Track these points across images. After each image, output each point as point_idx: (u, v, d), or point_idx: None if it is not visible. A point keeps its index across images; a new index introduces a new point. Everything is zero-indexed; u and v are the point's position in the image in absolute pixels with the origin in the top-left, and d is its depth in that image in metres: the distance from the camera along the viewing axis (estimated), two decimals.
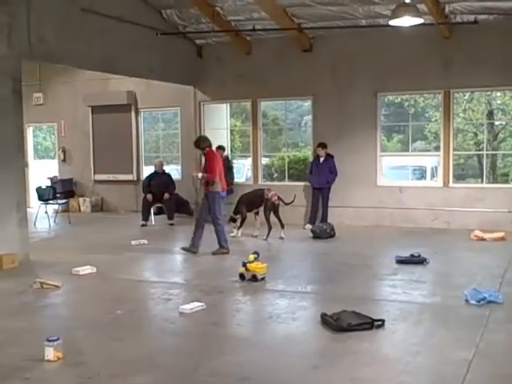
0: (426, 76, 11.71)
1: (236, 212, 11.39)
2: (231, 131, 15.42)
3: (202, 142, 9.65)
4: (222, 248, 9.52)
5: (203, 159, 9.98)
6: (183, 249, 9.61)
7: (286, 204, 11.27)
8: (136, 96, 15.11)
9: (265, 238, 10.80)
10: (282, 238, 10.82)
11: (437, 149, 13.44)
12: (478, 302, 6.30)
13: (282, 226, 10.98)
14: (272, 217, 10.98)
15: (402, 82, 11.97)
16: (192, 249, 9.48)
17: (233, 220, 11.42)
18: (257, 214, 11.24)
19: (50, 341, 4.89)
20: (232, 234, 11.01)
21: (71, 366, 4.84)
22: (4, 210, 8.81)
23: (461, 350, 5.01)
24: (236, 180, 13.72)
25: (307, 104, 15.54)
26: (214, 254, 9.47)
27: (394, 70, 11.92)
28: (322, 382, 4.50)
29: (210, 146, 9.66)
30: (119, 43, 10.98)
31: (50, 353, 4.86)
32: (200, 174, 9.63)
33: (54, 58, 10.18)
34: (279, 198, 11.13)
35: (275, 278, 7.70)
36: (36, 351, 4.95)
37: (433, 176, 14.92)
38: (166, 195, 13.11)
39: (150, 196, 13.07)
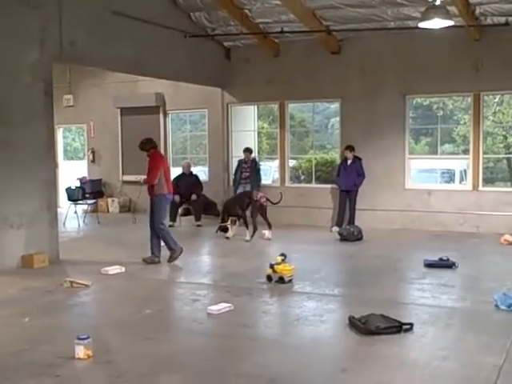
0: (456, 78, 11.60)
1: (224, 220, 11.28)
2: (258, 133, 15.44)
3: (146, 144, 9.13)
4: (174, 252, 8.99)
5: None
6: (144, 260, 9.00)
7: (274, 204, 11.41)
8: (164, 98, 15.22)
9: (248, 239, 10.90)
10: (269, 239, 10.98)
11: (465, 152, 13.32)
12: (508, 307, 6.22)
13: (270, 226, 11.17)
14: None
15: (430, 84, 11.87)
16: (154, 259, 9.00)
17: (224, 229, 11.23)
18: (238, 218, 11.42)
19: (80, 339, 4.96)
20: (227, 235, 11.13)
21: (101, 364, 4.90)
22: (35, 209, 8.95)
23: (491, 355, 4.96)
24: (263, 182, 13.72)
25: (334, 106, 15.50)
26: (169, 261, 8.96)
27: (422, 72, 11.83)
28: None
29: (155, 147, 9.20)
30: (149, 45, 11.07)
31: (81, 351, 4.93)
32: (142, 178, 9.24)
33: (85, 61, 10.33)
34: (267, 200, 11.33)
35: (302, 280, 7.69)
36: (66, 349, 5.02)
37: (462, 179, 14.77)
38: (194, 196, 13.18)
39: (177, 197, 13.11)
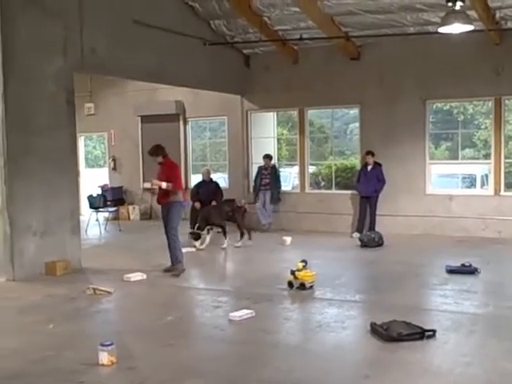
0: (476, 83, 11.53)
1: (200, 228, 10.87)
2: (278, 140, 15.45)
3: (158, 150, 8.90)
4: (179, 263, 8.80)
5: (163, 168, 9.03)
6: (167, 270, 8.81)
7: (251, 204, 11.93)
8: (184, 105, 15.31)
9: (249, 242, 11.12)
10: (238, 247, 10.97)
11: (486, 156, 13.22)
12: None
13: (243, 235, 11.16)
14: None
15: (451, 89, 11.81)
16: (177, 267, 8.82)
17: (196, 237, 10.75)
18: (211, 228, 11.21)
19: (104, 345, 5.01)
20: (223, 246, 10.89)
21: (124, 370, 4.94)
22: (58, 217, 9.05)
23: None
24: (283, 188, 13.74)
25: (353, 112, 15.47)
26: (165, 271, 8.74)
27: (443, 77, 11.78)
28: None
29: (167, 154, 8.97)
30: (169, 54, 11.15)
31: (105, 357, 4.98)
32: (164, 183, 8.66)
33: (106, 70, 10.44)
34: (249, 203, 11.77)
35: (323, 286, 7.69)
36: (90, 355, 5.08)
37: (483, 184, 14.65)
38: (214, 203, 13.20)
39: (198, 204, 13.15)
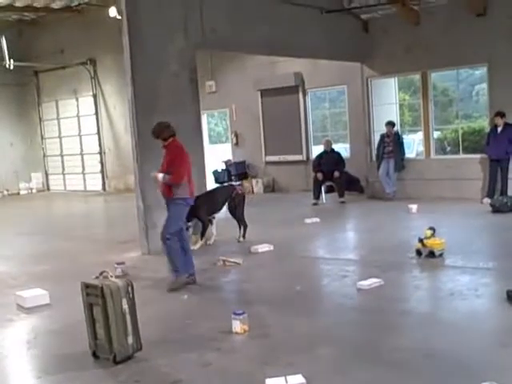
0: None
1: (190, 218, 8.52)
2: (400, 106, 15.04)
3: (163, 130, 6.76)
4: (178, 275, 6.76)
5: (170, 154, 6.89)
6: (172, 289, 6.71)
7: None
8: (303, 77, 15.27)
9: (241, 239, 9.44)
10: (239, 241, 9.41)
11: None
12: None
13: (244, 227, 9.53)
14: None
15: None
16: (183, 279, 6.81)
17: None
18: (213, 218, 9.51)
19: (236, 314, 5.18)
20: (193, 247, 8.40)
21: (257, 338, 5.09)
22: None
23: None
24: (407, 155, 13.41)
25: (478, 72, 14.72)
26: (169, 290, 6.67)
27: None
28: None
29: (174, 135, 6.80)
30: (285, 25, 11.11)
31: (237, 325, 5.15)
32: (160, 175, 6.71)
33: (226, 46, 10.62)
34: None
35: (454, 253, 7.45)
36: (224, 324, 5.27)
37: None
38: (336, 173, 13.15)
39: (320, 175, 13.19)
